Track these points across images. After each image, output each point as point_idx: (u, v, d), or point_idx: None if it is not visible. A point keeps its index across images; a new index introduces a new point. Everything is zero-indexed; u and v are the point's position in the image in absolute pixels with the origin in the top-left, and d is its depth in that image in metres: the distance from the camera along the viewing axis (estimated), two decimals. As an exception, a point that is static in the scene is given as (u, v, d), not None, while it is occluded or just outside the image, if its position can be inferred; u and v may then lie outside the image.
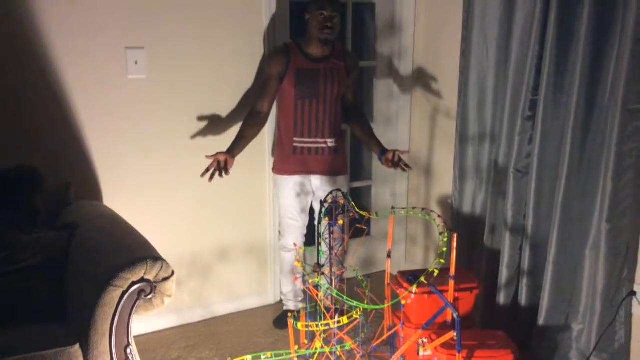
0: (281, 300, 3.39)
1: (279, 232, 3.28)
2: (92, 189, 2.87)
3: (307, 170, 3.04)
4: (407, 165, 2.97)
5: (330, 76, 2.96)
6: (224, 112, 3.14)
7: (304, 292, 3.12)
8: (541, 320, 2.71)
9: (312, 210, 3.20)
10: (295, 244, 3.09)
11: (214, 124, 3.13)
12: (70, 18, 2.69)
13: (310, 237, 3.22)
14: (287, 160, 3.04)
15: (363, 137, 3.12)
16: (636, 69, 2.28)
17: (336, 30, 2.93)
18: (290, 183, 3.06)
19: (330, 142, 3.02)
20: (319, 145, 3.00)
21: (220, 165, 2.79)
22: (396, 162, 2.93)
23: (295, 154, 3.01)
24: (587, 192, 2.56)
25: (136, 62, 2.87)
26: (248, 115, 3.00)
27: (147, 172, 3.00)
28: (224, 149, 2.90)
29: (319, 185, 3.08)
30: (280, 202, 3.15)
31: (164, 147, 3.03)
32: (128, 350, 2.13)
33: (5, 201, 2.41)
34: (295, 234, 3.13)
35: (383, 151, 3.00)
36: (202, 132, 3.11)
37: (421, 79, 3.64)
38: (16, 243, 2.27)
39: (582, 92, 2.48)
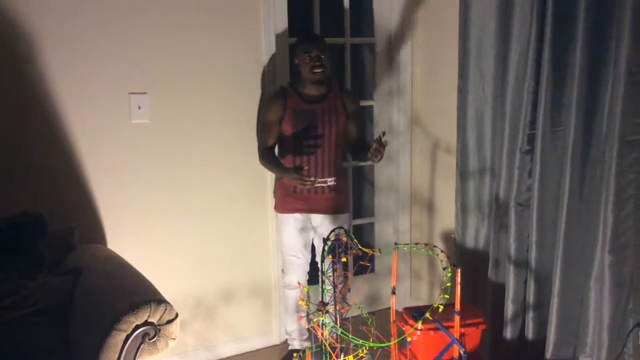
0: (286, 340, 3.37)
1: (282, 270, 3.28)
2: (95, 232, 2.89)
3: (308, 209, 3.05)
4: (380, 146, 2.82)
5: (328, 115, 2.99)
6: (226, 154, 3.17)
7: (309, 330, 3.10)
8: (549, 354, 2.68)
9: (313, 248, 3.20)
10: (299, 283, 3.08)
11: (216, 167, 3.16)
12: (75, 64, 2.75)
13: (313, 275, 3.21)
14: (288, 199, 3.06)
15: (354, 153, 3.26)
16: (631, 101, 2.31)
17: (327, 69, 2.94)
18: (292, 220, 3.07)
19: (331, 181, 3.03)
20: (319, 185, 3.02)
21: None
22: (377, 147, 2.81)
23: (296, 193, 3.03)
24: (589, 224, 2.56)
25: (139, 107, 2.92)
26: (262, 152, 3.05)
27: (150, 215, 3.02)
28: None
29: (319, 223, 3.09)
30: (282, 240, 3.16)
31: (166, 190, 3.05)
32: (133, 395, 2.11)
33: (9, 247, 2.42)
34: (297, 271, 3.13)
35: (368, 147, 2.91)
36: (205, 175, 3.13)
37: (420, 116, 3.69)
38: (21, 289, 2.27)
39: (579, 125, 2.51)
